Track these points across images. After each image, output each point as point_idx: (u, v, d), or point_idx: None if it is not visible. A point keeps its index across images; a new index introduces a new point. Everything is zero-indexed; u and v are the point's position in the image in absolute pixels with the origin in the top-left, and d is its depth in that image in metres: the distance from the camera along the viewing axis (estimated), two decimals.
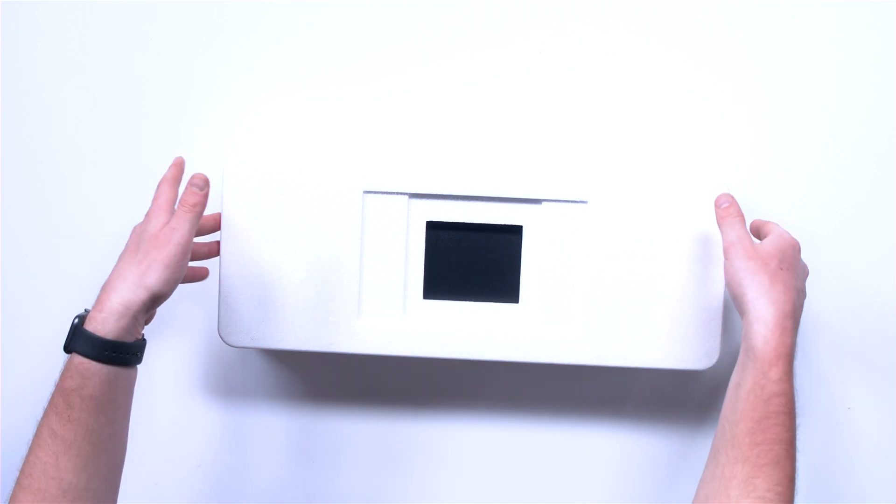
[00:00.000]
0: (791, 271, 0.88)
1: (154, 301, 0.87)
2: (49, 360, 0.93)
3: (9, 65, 1.05)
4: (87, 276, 1.07)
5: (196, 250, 0.98)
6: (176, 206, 0.92)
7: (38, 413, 0.86)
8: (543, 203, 0.97)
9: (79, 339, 0.84)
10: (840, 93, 1.02)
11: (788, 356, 0.84)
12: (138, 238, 0.89)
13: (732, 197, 0.93)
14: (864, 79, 1.02)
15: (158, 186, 0.92)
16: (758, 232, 0.96)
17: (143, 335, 0.89)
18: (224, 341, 1.00)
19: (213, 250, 1.00)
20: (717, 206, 0.93)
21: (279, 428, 1.11)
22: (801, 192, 1.03)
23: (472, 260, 1.00)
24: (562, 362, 0.99)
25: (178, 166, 0.95)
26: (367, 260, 0.98)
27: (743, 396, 0.84)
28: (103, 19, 1.04)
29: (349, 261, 0.98)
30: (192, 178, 0.91)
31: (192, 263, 0.99)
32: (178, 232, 0.88)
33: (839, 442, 1.08)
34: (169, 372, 1.09)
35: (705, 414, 1.08)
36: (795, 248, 0.91)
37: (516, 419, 1.10)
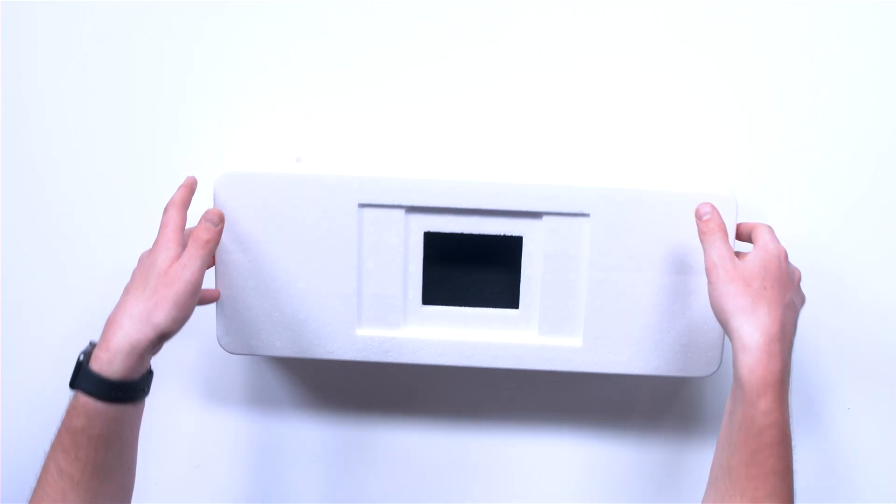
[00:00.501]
0: (776, 287, 0.84)
1: (161, 339, 0.84)
2: (54, 378, 0.92)
3: (8, 65, 1.04)
4: (89, 284, 1.07)
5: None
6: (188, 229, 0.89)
7: (42, 441, 0.84)
8: (544, 217, 0.96)
9: (84, 379, 0.82)
10: (840, 93, 1.02)
11: (777, 383, 0.81)
12: (146, 271, 0.85)
13: (713, 207, 0.89)
14: (865, 79, 1.01)
15: (166, 211, 0.89)
16: (746, 236, 0.92)
17: (149, 367, 0.86)
18: (223, 349, 0.99)
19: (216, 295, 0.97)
20: (698, 217, 0.89)
21: (279, 429, 1.11)
22: (801, 194, 1.03)
23: (471, 270, 0.99)
24: (563, 370, 0.99)
25: (189, 188, 0.91)
26: (364, 270, 0.97)
27: (736, 427, 0.82)
28: (102, 24, 1.04)
29: (346, 271, 0.97)
30: (207, 213, 0.88)
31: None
32: (188, 269, 0.84)
33: (839, 442, 1.08)
34: (170, 374, 1.09)
35: (707, 422, 1.09)
36: (781, 259, 0.87)
37: (517, 427, 1.10)
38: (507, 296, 0.99)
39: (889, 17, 1.00)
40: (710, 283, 0.86)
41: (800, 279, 0.90)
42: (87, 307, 1.07)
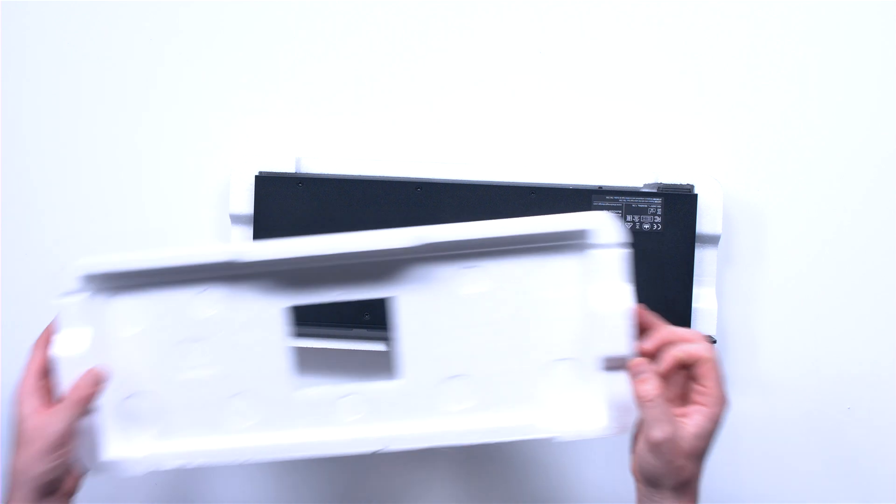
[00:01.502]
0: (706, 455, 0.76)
1: (48, 488, 0.77)
2: None
3: (8, 65, 1.05)
4: None
5: None
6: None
7: None
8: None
9: None
10: (839, 92, 1.01)
11: None
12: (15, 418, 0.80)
13: (646, 362, 0.75)
14: (865, 77, 1.01)
15: (32, 348, 0.83)
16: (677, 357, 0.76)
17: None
18: None
19: None
20: (633, 375, 0.74)
21: None
22: (801, 193, 1.03)
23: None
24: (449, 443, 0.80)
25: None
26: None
27: None
28: (101, 24, 1.04)
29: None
30: (91, 372, 0.79)
31: None
32: (51, 426, 0.77)
33: (839, 442, 1.08)
34: None
35: None
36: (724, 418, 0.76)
37: None
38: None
39: (889, 17, 0.99)
40: (646, 451, 0.73)
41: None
42: None
